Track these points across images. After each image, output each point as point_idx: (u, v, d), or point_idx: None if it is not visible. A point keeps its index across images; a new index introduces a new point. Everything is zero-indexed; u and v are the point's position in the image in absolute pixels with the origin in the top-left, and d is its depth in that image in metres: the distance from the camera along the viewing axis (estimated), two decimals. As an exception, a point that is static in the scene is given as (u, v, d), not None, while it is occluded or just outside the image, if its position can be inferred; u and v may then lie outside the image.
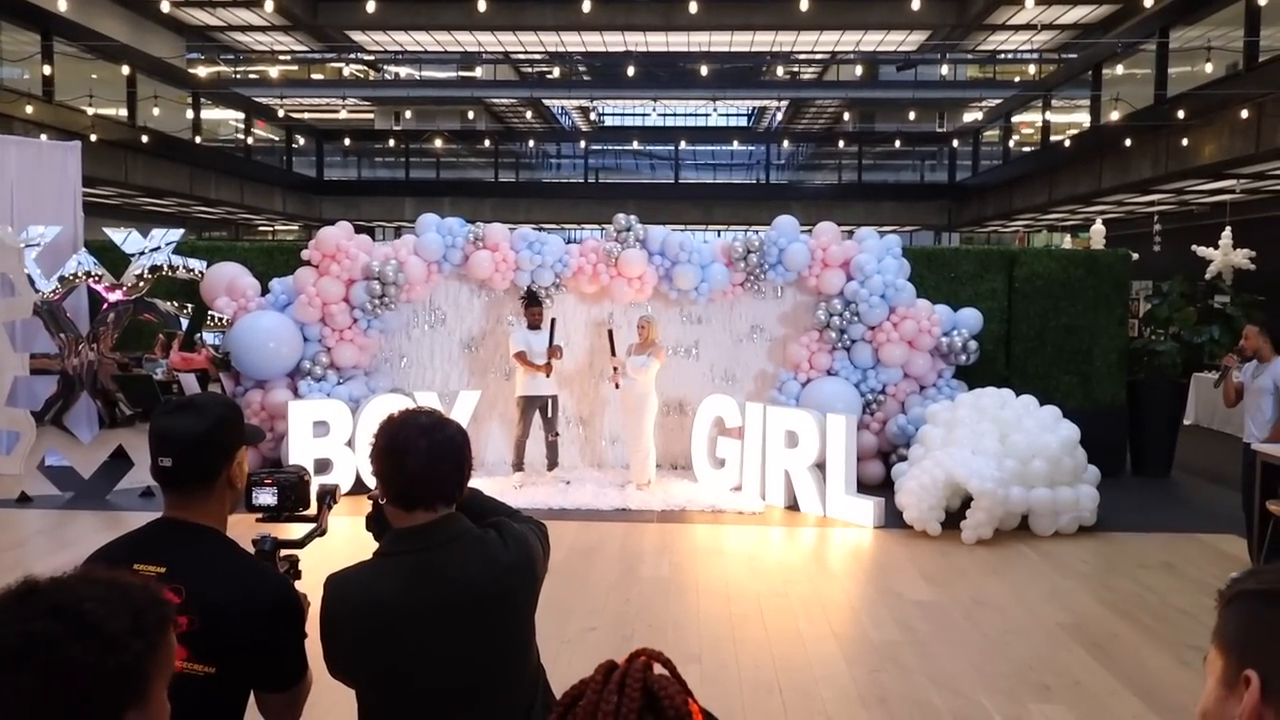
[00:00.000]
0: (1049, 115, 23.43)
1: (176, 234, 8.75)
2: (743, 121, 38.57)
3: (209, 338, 8.56)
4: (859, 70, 27.40)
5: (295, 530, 2.29)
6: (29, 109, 15.06)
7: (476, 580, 1.89)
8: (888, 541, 7.09)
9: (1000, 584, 6.15)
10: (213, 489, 1.90)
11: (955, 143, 28.08)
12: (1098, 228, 14.13)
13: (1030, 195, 22.58)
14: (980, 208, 25.66)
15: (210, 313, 8.70)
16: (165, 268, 8.52)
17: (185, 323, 8.74)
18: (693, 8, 13.81)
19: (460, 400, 8.57)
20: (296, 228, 28.29)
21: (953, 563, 6.58)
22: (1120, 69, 18.60)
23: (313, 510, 2.31)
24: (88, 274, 8.42)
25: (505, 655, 1.97)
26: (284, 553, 2.21)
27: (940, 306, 9.04)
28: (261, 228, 29.33)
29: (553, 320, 8.52)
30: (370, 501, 2.14)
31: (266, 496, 2.22)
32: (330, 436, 7.93)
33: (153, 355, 8.84)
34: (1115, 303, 9.61)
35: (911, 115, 27.12)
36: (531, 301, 8.66)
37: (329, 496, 2.38)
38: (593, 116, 36.73)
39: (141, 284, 8.45)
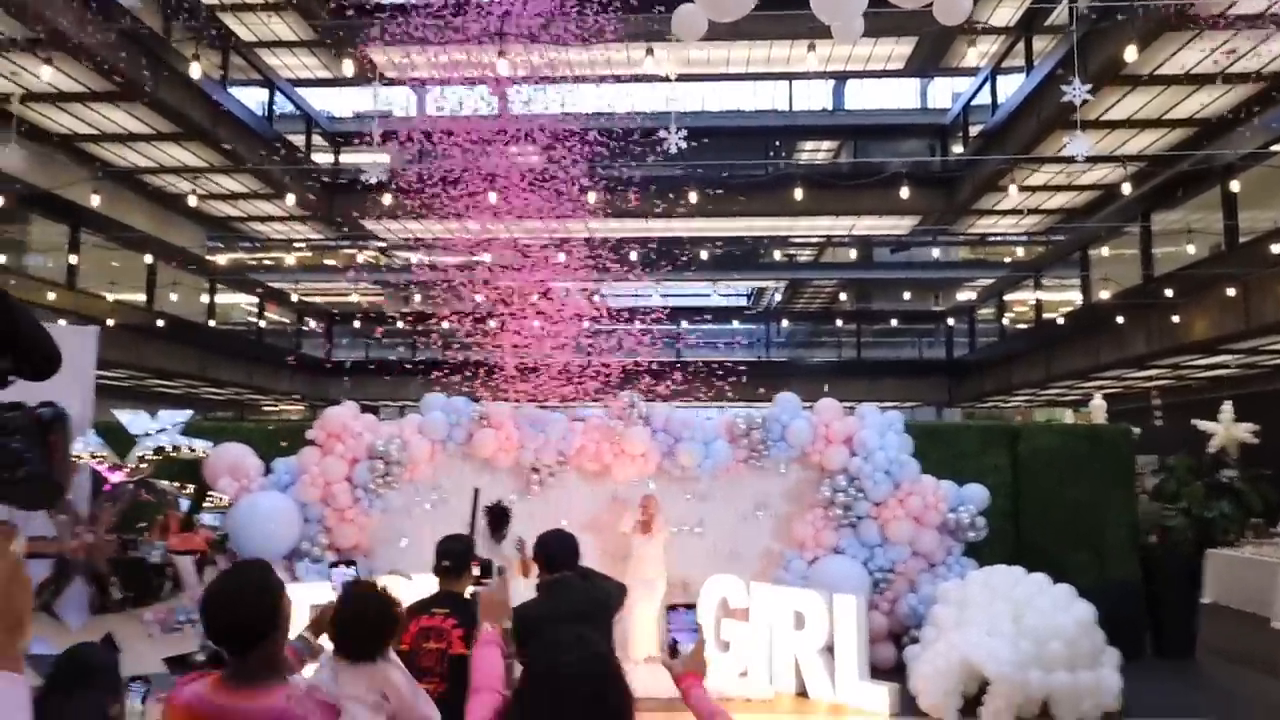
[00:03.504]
0: (1041, 294, 24.10)
1: (185, 416, 8.82)
2: (742, 301, 39.60)
3: (207, 519, 8.48)
4: (854, 253, 28.39)
5: None
6: (51, 296, 15.56)
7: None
8: (904, 731, 6.76)
9: (1025, 778, 5.81)
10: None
11: (951, 320, 28.72)
12: (1098, 402, 14.19)
13: (1028, 371, 22.89)
14: (979, 383, 25.95)
15: (210, 493, 8.66)
16: (169, 448, 8.55)
17: (185, 503, 8.68)
18: (693, 197, 14.52)
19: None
20: (302, 407, 28.60)
21: (974, 754, 6.23)
22: (1106, 250, 19.26)
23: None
24: (92, 455, 8.44)
25: None
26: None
27: (945, 482, 8.97)
28: (266, 407, 29.63)
29: (475, 490, 6.57)
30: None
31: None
32: (325, 621, 7.68)
33: (148, 538, 8.71)
34: (1121, 478, 9.53)
35: (907, 295, 27.86)
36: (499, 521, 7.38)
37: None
38: (595, 299, 37.77)
39: (145, 465, 8.45)
